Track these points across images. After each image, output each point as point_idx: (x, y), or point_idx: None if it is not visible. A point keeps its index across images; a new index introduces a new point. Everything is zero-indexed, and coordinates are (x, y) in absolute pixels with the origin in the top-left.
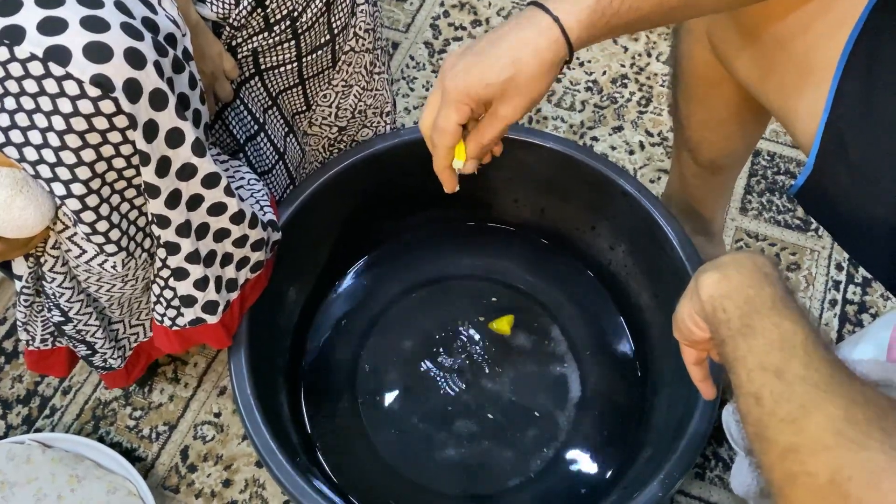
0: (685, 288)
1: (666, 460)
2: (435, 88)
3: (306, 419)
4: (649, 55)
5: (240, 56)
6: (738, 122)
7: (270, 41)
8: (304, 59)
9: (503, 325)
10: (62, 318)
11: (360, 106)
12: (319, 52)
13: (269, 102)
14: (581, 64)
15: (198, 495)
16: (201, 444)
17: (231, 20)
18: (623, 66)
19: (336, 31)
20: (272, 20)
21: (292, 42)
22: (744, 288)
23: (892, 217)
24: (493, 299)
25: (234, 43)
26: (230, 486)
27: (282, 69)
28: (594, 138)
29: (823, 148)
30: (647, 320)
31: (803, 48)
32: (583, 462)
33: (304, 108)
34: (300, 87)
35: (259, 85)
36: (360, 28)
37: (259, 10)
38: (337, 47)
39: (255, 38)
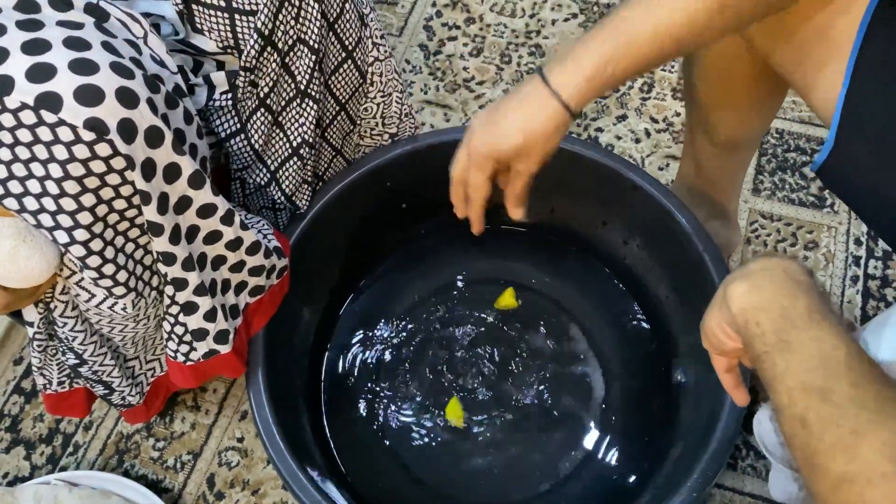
0: (703, 279)
1: (697, 460)
2: (463, 145)
3: (329, 438)
4: None
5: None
6: (756, 97)
7: (271, 77)
8: (330, 81)
9: (507, 299)
10: (77, 361)
11: (405, 109)
12: (342, 70)
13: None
14: None
15: None
16: (227, 471)
17: (245, 62)
18: None
19: (350, 47)
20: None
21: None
22: (777, 299)
23: None
24: None
25: (242, 90)
26: None
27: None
28: (599, 129)
29: (843, 122)
30: (667, 313)
31: (824, 18)
32: (612, 462)
33: (351, 126)
34: (343, 112)
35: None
36: (376, 37)
37: (269, 49)
38: (359, 62)
39: (260, 86)
